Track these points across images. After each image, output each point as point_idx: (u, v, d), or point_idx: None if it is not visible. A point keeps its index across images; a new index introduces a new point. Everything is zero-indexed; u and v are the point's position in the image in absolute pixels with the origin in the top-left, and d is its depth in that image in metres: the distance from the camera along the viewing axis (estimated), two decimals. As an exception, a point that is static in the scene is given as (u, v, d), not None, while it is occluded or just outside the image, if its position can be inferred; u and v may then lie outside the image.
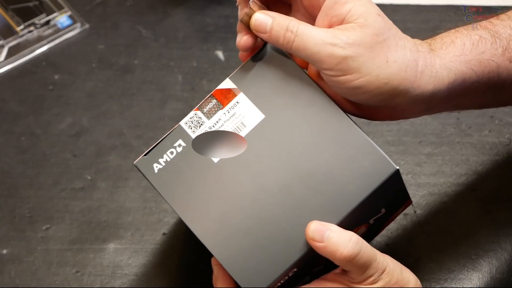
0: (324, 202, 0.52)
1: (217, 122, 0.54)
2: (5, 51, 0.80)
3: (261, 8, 0.53)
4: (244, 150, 0.54)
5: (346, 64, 0.49)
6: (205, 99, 0.55)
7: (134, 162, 0.54)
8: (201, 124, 0.55)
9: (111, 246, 0.67)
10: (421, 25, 0.82)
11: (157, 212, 0.68)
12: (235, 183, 0.53)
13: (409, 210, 0.68)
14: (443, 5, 0.84)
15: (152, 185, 0.54)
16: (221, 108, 0.55)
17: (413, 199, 0.69)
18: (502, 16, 0.57)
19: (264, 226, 0.52)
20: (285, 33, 0.51)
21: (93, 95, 0.77)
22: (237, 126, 0.54)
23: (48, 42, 0.81)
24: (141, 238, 0.67)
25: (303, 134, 0.53)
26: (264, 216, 0.52)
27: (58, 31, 0.82)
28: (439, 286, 0.65)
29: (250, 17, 0.53)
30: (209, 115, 0.55)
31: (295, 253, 0.52)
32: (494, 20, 0.56)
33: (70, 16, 0.83)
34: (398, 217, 0.68)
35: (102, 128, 0.75)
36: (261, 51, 0.55)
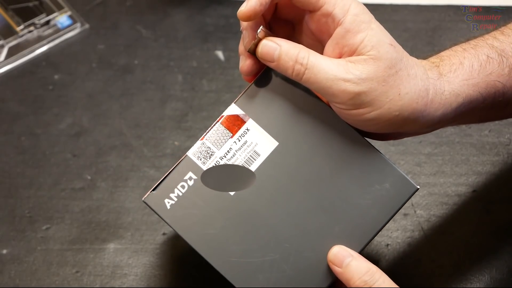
0: (348, 228, 0.51)
1: (228, 151, 0.52)
2: (5, 51, 0.80)
3: (267, 34, 0.51)
4: (260, 180, 0.52)
5: (359, 100, 0.49)
6: (212, 127, 0.52)
7: (143, 199, 0.52)
8: (211, 155, 0.52)
9: (111, 246, 0.67)
10: (421, 25, 0.82)
11: (157, 212, 0.68)
12: (254, 215, 0.51)
13: (409, 210, 0.68)
14: (443, 5, 0.84)
15: (166, 222, 0.51)
16: (231, 137, 0.52)
17: (413, 199, 0.69)
18: (507, 31, 0.56)
19: (290, 258, 0.51)
20: (294, 65, 0.50)
21: (93, 95, 0.77)
22: (250, 155, 0.52)
23: (48, 42, 0.81)
24: (141, 238, 0.67)
25: (320, 160, 0.52)
26: (288, 247, 0.51)
27: (58, 31, 0.82)
28: (439, 286, 0.64)
29: (256, 45, 0.51)
30: (218, 144, 0.52)
31: (324, 283, 0.51)
32: (499, 35, 0.55)
33: (70, 16, 0.83)
34: (398, 217, 0.68)
35: (102, 128, 0.75)
36: (266, 73, 0.53)
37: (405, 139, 0.73)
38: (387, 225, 0.67)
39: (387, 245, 0.67)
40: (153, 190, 0.52)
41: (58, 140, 0.74)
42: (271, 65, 0.51)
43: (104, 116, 0.76)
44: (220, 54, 0.81)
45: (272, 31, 0.53)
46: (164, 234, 0.67)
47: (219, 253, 0.51)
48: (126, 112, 0.76)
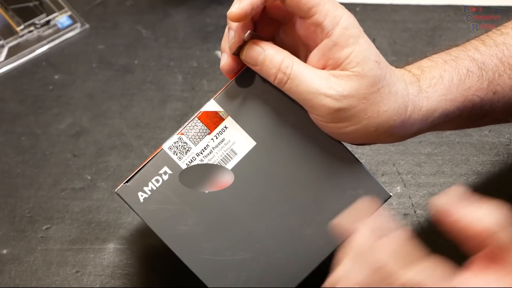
0: (320, 232, 0.51)
1: (205, 148, 0.52)
2: (5, 51, 0.80)
3: (254, 37, 0.50)
4: (236, 179, 0.52)
5: (338, 115, 0.49)
6: (189, 122, 0.52)
7: (116, 190, 0.52)
8: (188, 150, 0.52)
9: (111, 246, 0.67)
10: (421, 25, 0.82)
11: (157, 212, 0.68)
12: (228, 214, 0.51)
13: (409, 210, 0.68)
14: (443, 5, 0.84)
15: (138, 215, 0.52)
16: (208, 133, 0.52)
17: (413, 199, 0.69)
18: (489, 41, 0.55)
19: (260, 258, 0.51)
20: (277, 73, 0.49)
21: (93, 95, 0.77)
22: (227, 154, 0.52)
23: (48, 42, 0.81)
24: (141, 238, 0.67)
25: (296, 163, 0.52)
26: (259, 247, 0.51)
27: (58, 31, 0.82)
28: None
29: (241, 48, 0.50)
30: (195, 140, 0.52)
31: (292, 283, 0.51)
32: (481, 46, 0.55)
33: (70, 16, 0.83)
34: (398, 217, 0.68)
35: (102, 128, 0.75)
36: (248, 70, 0.52)
37: (405, 139, 0.73)
38: (387, 225, 0.67)
39: (387, 245, 0.67)
40: (127, 182, 0.52)
41: (58, 140, 0.74)
42: (254, 68, 0.51)
43: (104, 116, 0.76)
44: (220, 54, 0.81)
45: (258, 28, 0.52)
46: (164, 234, 0.67)
47: (190, 250, 0.51)
48: (126, 112, 0.76)
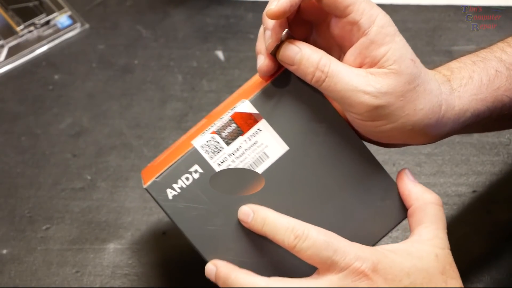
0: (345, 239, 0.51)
1: (237, 149, 0.51)
2: (5, 51, 0.80)
3: (290, 37, 0.50)
4: (266, 182, 0.51)
5: (376, 112, 0.49)
6: (225, 122, 0.51)
7: (144, 186, 0.51)
8: (220, 150, 0.51)
9: (111, 246, 0.67)
10: (421, 25, 0.82)
11: (157, 212, 0.68)
12: None
13: (409, 210, 0.68)
14: (443, 5, 0.84)
15: (166, 213, 0.51)
16: (241, 135, 0.51)
17: (413, 199, 0.69)
18: None
19: (285, 263, 0.51)
20: (315, 71, 0.49)
21: (93, 95, 0.77)
22: (259, 156, 0.51)
23: (48, 42, 0.81)
24: (141, 238, 0.67)
25: (327, 171, 0.52)
26: (283, 252, 0.50)
27: (58, 31, 0.82)
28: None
29: (278, 47, 0.50)
30: (228, 140, 0.51)
31: None
32: (506, 47, 0.55)
33: (70, 16, 0.83)
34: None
35: (102, 128, 0.75)
36: (285, 73, 0.51)
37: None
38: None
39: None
40: (157, 178, 0.51)
41: (58, 140, 0.74)
42: (291, 68, 0.51)
43: (104, 116, 0.76)
44: (220, 54, 0.81)
45: (291, 30, 0.52)
46: (164, 234, 0.67)
47: (216, 250, 0.51)
48: (126, 112, 0.76)
